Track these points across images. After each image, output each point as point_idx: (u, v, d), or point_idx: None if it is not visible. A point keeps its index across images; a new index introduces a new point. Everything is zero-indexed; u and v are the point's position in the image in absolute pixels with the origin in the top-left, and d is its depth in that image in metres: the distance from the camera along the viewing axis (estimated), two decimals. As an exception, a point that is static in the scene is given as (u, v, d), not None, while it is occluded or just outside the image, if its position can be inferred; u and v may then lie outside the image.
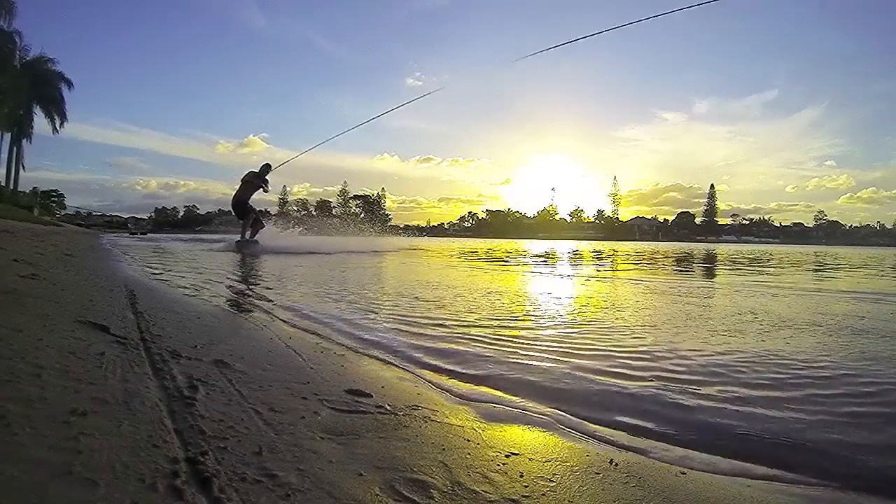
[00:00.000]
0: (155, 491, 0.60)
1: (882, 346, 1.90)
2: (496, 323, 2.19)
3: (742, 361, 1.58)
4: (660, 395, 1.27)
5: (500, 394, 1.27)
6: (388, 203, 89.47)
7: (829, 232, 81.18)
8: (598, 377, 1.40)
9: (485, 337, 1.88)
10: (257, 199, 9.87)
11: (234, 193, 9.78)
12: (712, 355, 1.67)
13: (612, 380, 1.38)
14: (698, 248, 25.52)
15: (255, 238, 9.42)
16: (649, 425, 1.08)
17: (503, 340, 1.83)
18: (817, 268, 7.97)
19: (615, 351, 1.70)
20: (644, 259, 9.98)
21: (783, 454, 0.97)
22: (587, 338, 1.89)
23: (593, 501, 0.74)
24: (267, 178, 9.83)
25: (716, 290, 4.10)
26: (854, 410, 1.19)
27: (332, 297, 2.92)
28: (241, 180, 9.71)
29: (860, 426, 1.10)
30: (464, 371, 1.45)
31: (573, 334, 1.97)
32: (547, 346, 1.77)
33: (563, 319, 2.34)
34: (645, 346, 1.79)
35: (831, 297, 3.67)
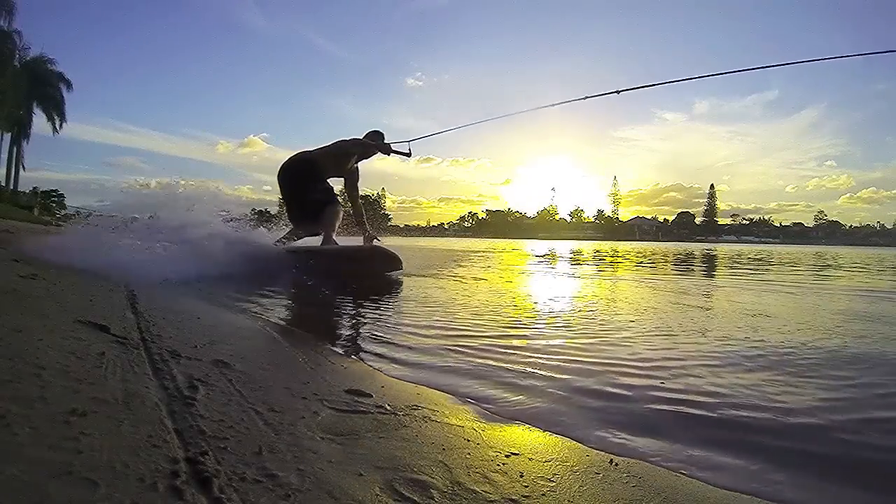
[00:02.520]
0: (155, 491, 0.60)
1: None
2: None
3: (753, 371, 1.58)
4: (664, 403, 1.26)
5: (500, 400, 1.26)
6: (388, 203, 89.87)
7: (829, 232, 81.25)
8: (601, 379, 1.40)
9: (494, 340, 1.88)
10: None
11: (297, 154, 4.78)
12: (721, 361, 1.66)
13: (616, 379, 1.38)
14: (699, 248, 25.49)
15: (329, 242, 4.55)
16: (651, 432, 1.07)
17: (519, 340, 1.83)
18: (830, 269, 7.96)
19: (620, 356, 1.70)
20: (646, 260, 9.97)
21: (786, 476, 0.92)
22: (600, 342, 1.89)
23: (593, 501, 0.74)
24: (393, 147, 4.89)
25: (722, 291, 4.09)
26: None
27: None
28: (337, 147, 4.76)
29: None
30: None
31: (586, 340, 1.97)
32: (554, 353, 1.77)
33: (574, 325, 2.34)
34: (656, 352, 1.79)
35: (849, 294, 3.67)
